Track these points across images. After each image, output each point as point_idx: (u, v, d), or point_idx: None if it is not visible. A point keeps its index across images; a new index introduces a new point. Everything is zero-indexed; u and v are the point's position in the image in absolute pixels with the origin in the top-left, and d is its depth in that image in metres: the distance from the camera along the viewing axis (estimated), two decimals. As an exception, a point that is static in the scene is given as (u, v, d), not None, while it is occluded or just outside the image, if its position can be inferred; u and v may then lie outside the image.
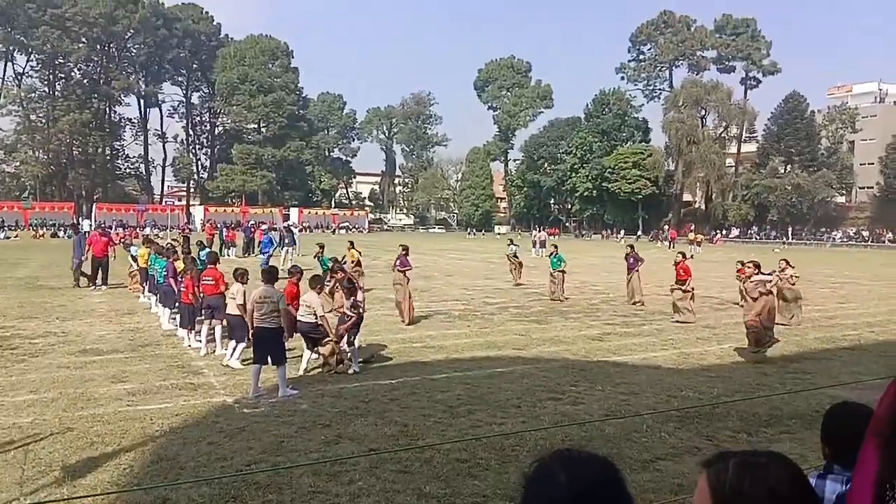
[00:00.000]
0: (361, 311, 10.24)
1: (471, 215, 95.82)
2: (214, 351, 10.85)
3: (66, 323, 13.69)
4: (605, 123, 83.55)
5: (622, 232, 77.29)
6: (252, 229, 38.19)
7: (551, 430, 7.08)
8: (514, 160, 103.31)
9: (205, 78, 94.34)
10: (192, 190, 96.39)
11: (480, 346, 11.88)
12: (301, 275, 10.71)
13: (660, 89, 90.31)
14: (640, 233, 76.73)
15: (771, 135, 76.49)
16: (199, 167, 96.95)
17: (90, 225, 55.75)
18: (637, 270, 18.16)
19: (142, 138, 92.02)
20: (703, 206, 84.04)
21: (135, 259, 18.38)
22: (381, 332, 12.97)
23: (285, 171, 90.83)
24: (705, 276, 24.61)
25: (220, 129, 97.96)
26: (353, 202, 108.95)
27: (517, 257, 22.96)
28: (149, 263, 15.66)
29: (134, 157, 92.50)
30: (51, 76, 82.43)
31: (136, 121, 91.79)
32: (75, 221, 38.35)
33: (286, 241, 28.73)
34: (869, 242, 66.34)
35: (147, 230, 53.99)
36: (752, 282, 11.11)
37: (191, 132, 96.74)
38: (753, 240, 71.54)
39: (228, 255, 31.15)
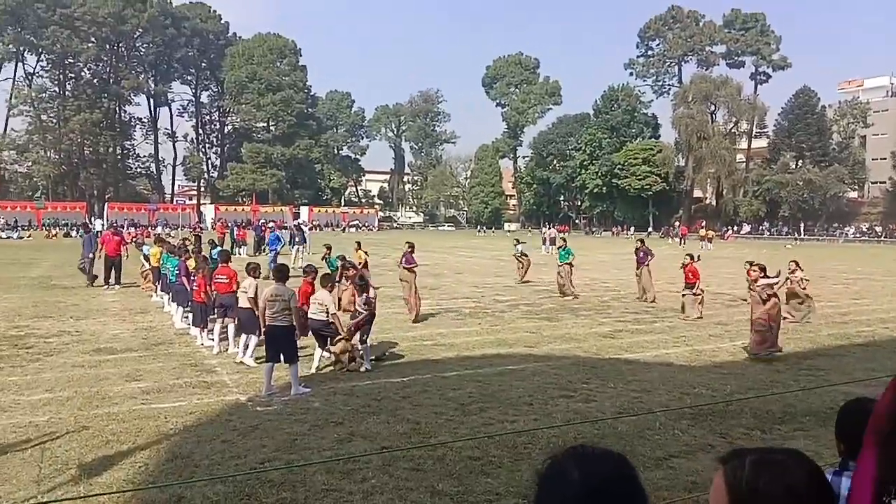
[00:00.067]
0: (373, 308, 10.27)
1: (480, 213, 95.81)
2: (227, 349, 10.91)
3: (79, 322, 13.79)
4: (614, 119, 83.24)
5: (632, 229, 77.03)
6: (262, 228, 38.27)
7: (563, 428, 7.07)
8: (524, 157, 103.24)
9: (214, 77, 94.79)
10: (202, 189, 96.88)
11: (491, 344, 11.88)
12: (316, 274, 10.74)
13: (669, 85, 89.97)
14: (650, 229, 76.45)
15: (782, 130, 75.94)
16: (210, 166, 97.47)
17: (102, 224, 56.17)
18: (647, 265, 18.08)
19: (152, 137, 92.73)
20: (713, 202, 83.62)
21: (147, 258, 18.49)
22: (392, 329, 12.99)
23: (295, 170, 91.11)
24: (717, 273, 24.49)
25: (230, 127, 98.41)
26: (363, 200, 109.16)
27: (525, 256, 22.90)
28: (161, 262, 15.75)
29: (144, 156, 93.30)
30: (61, 76, 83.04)
31: (146, 120, 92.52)
32: (86, 220, 38.60)
33: (296, 239, 28.81)
34: (882, 238, 65.76)
35: (158, 229, 54.28)
36: (758, 286, 10.96)
37: (200, 131, 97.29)
38: (765, 236, 71.14)
39: (239, 254, 31.27)
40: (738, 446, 1.45)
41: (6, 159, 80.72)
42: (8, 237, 52.40)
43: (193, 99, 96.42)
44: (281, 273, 9.09)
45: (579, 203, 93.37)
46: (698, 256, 15.74)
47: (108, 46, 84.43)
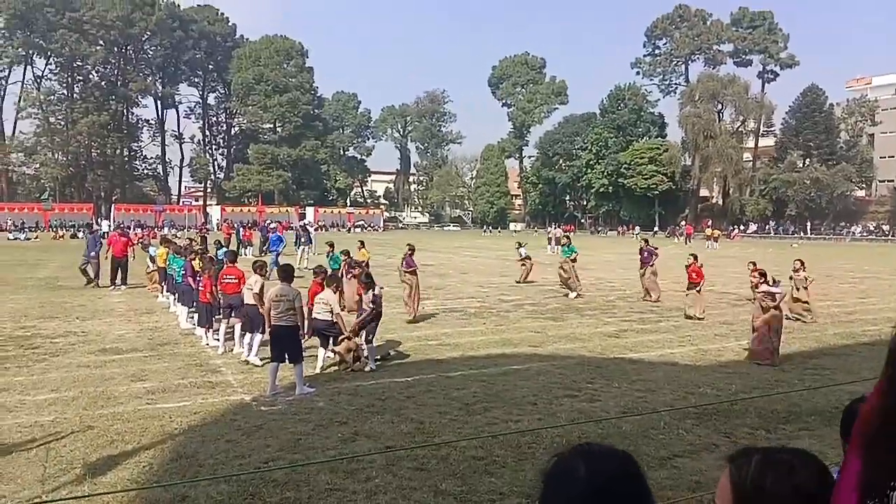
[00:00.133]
0: (379, 307, 10.27)
1: (486, 213, 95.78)
2: (232, 349, 10.93)
3: (85, 322, 13.86)
4: (620, 119, 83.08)
5: (637, 228, 76.88)
6: (268, 229, 38.39)
7: (568, 428, 7.06)
8: (529, 157, 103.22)
9: (221, 78, 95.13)
10: (209, 190, 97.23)
11: (496, 344, 11.87)
12: (325, 274, 10.77)
13: (676, 84, 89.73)
14: (656, 228, 76.26)
15: (789, 128, 75.61)
16: (216, 167, 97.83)
17: (109, 225, 56.41)
18: (651, 265, 18.03)
19: (159, 139, 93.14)
20: (720, 202, 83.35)
21: (153, 259, 18.56)
22: (397, 329, 13.00)
23: (301, 171, 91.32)
24: (722, 273, 24.42)
25: (237, 129, 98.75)
26: (369, 201, 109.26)
27: (529, 259, 22.85)
28: (167, 263, 15.80)
29: (151, 158, 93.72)
30: (69, 79, 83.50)
31: (153, 122, 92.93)
32: (90, 221, 38.89)
33: (302, 239, 28.84)
34: (889, 236, 65.40)
35: (165, 230, 54.48)
36: (759, 291, 10.83)
37: (207, 133, 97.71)
38: (771, 235, 70.84)
39: (245, 255, 31.32)
40: (743, 446, 1.44)
41: (14, 161, 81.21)
42: (15, 238, 52.66)
43: (200, 101, 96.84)
44: (286, 273, 9.10)
45: (585, 202, 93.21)
46: (695, 257, 15.65)
47: (116, 49, 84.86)
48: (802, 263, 15.15)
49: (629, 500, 1.14)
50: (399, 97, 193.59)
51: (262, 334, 9.84)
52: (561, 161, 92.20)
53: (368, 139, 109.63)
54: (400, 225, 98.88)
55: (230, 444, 6.56)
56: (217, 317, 11.78)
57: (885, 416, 0.95)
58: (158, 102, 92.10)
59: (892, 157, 71.78)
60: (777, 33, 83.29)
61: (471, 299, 18.13)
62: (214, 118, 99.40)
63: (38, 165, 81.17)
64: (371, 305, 9.96)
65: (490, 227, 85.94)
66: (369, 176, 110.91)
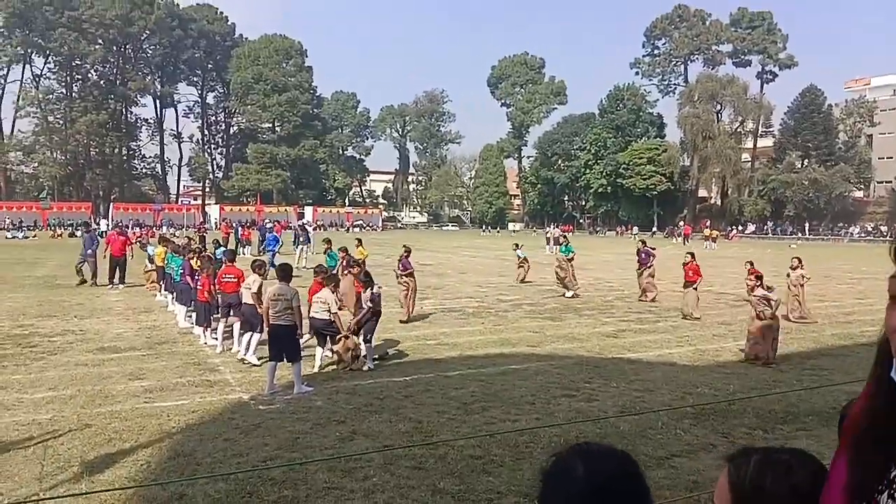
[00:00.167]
0: (378, 308, 10.26)
1: (484, 213, 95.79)
2: (231, 348, 10.93)
3: (83, 321, 13.84)
4: (619, 119, 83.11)
5: (635, 228, 76.94)
6: (266, 228, 38.36)
7: (566, 427, 7.07)
8: (528, 157, 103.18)
9: (220, 78, 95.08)
10: (207, 189, 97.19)
11: (494, 344, 11.88)
12: (326, 274, 10.77)
13: (675, 84, 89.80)
14: (655, 229, 76.30)
15: (787, 129, 75.67)
16: (215, 166, 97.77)
17: (107, 224, 56.36)
18: (649, 266, 18.02)
19: (158, 138, 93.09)
20: (718, 202, 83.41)
21: (151, 260, 18.54)
22: (395, 329, 13.00)
23: (300, 170, 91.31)
24: (721, 273, 24.43)
25: (235, 128, 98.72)
26: (367, 200, 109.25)
27: (526, 260, 22.82)
28: (165, 262, 15.79)
29: (150, 157, 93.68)
30: (68, 78, 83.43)
31: (151, 121, 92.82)
32: (87, 220, 38.60)
33: (301, 239, 28.82)
34: (887, 238, 65.45)
35: (164, 229, 54.44)
36: (755, 296, 10.78)
37: (206, 132, 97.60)
38: (769, 236, 70.90)
39: (244, 254, 31.31)
40: (741, 445, 1.45)
41: (13, 160, 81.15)
42: (14, 237, 52.62)
43: (199, 100, 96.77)
44: (284, 272, 9.11)
45: (583, 203, 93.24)
46: (692, 255, 15.68)
47: (115, 48, 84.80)
48: (800, 261, 15.18)
49: (628, 499, 1.14)
50: (398, 97, 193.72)
51: (259, 334, 9.85)
52: (560, 161, 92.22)
53: (367, 139, 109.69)
54: (399, 225, 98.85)
55: (228, 443, 6.56)
56: (215, 315, 11.78)
57: (872, 418, 0.95)
58: (157, 101, 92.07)
59: (891, 158, 71.86)
60: (776, 34, 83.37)
61: (469, 299, 18.14)
62: (213, 117, 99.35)
63: (36, 164, 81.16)
64: (369, 304, 9.96)
65: (489, 227, 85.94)
66: (368, 175, 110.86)
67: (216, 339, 11.29)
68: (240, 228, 37.71)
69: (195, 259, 12.89)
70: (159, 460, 6.14)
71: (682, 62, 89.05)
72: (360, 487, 5.46)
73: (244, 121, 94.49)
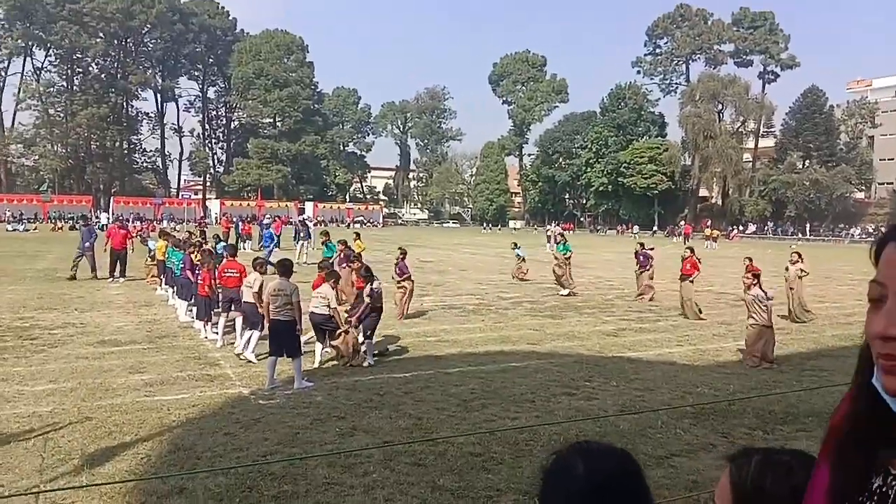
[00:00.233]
0: (379, 304, 10.26)
1: (485, 210, 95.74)
2: (233, 342, 10.91)
3: (84, 314, 13.85)
4: (620, 118, 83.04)
5: (636, 227, 76.92)
6: (270, 223, 38.31)
7: (565, 425, 7.08)
8: (529, 155, 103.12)
9: (221, 72, 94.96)
10: (208, 184, 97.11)
11: (494, 341, 11.88)
12: (330, 269, 10.77)
13: (676, 83, 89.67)
14: (655, 228, 76.30)
15: (789, 130, 75.61)
16: (215, 161, 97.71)
17: (108, 218, 56.35)
18: (648, 269, 18.03)
19: (158, 132, 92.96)
20: (719, 202, 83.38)
21: (153, 256, 18.53)
22: (395, 325, 13.00)
23: (300, 166, 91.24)
24: (721, 273, 24.43)
25: (236, 123, 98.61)
26: (368, 196, 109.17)
27: (524, 260, 22.79)
28: (166, 256, 15.80)
29: (151, 151, 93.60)
30: (69, 71, 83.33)
31: (152, 115, 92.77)
32: (85, 214, 38.57)
33: (301, 234, 28.80)
34: (888, 239, 65.28)
35: (164, 223, 54.42)
36: (750, 293, 10.71)
37: (207, 126, 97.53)
38: (770, 236, 70.91)
39: (244, 249, 31.29)
40: (741, 446, 1.45)
41: (13, 153, 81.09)
42: (14, 230, 52.60)
43: (200, 94, 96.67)
44: (284, 268, 9.10)
45: (584, 201, 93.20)
46: (691, 250, 15.71)
47: (116, 42, 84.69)
48: (800, 256, 15.20)
49: (628, 498, 1.14)
50: (399, 94, 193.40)
51: (259, 332, 9.83)
52: (561, 159, 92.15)
53: (368, 135, 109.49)
54: (399, 221, 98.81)
55: (228, 437, 6.57)
56: (216, 310, 11.78)
57: (855, 422, 0.95)
58: (158, 95, 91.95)
59: (892, 159, 71.79)
60: (778, 34, 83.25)
61: (470, 296, 18.14)
62: (214, 112, 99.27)
63: (37, 157, 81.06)
64: (367, 299, 9.96)
65: (490, 225, 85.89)
66: (369, 172, 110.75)
67: (216, 333, 11.29)
68: (240, 223, 37.69)
69: (195, 253, 12.90)
70: (159, 454, 6.15)
71: (684, 61, 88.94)
72: (360, 483, 5.47)
73: (245, 116, 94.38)
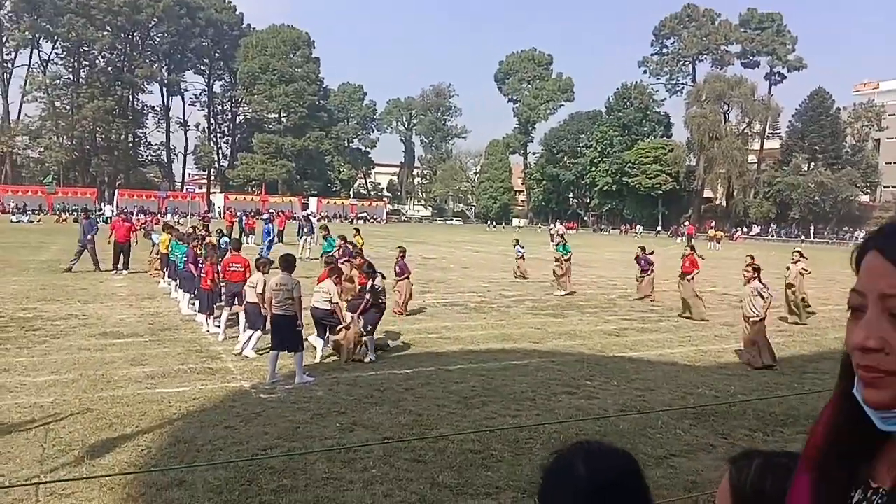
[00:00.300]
0: (381, 300, 10.27)
1: (489, 208, 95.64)
2: (236, 336, 10.93)
3: (87, 306, 13.88)
4: (626, 117, 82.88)
5: (639, 227, 76.82)
6: (271, 218, 38.33)
7: (565, 424, 7.08)
8: (534, 153, 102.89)
9: (227, 67, 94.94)
10: (212, 178, 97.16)
11: (496, 339, 11.89)
12: (334, 265, 10.77)
13: (682, 84, 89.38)
14: (659, 228, 76.18)
15: (795, 132, 75.42)
16: (220, 155, 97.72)
17: (112, 210, 56.46)
18: (650, 273, 18.00)
19: (164, 126, 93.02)
20: (724, 203, 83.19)
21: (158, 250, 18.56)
22: (397, 321, 13.01)
23: (305, 161, 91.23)
24: (725, 274, 24.38)
25: (242, 118, 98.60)
26: (372, 193, 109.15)
27: (524, 259, 22.75)
28: (169, 249, 15.83)
29: (156, 144, 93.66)
30: (75, 63, 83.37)
31: (158, 108, 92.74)
32: (86, 206, 38.45)
33: (304, 230, 28.81)
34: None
35: (168, 217, 54.49)
36: (750, 287, 10.66)
37: (212, 121, 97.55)
38: (774, 238, 70.78)
39: (248, 243, 31.32)
40: (743, 448, 1.45)
41: (19, 144, 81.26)
42: (19, 221, 52.75)
43: (206, 89, 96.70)
44: (287, 263, 9.12)
45: (588, 200, 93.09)
46: (692, 248, 15.69)
47: (122, 35, 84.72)
48: (801, 254, 15.20)
49: (628, 498, 1.14)
50: (405, 90, 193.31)
51: (261, 332, 9.81)
52: (565, 158, 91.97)
53: (373, 131, 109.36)
54: (403, 218, 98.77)
55: (228, 431, 6.58)
56: (218, 304, 11.80)
57: (836, 434, 0.94)
58: (164, 89, 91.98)
59: (898, 162, 71.60)
60: (785, 35, 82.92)
61: (472, 294, 18.14)
62: (220, 106, 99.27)
63: (42, 149, 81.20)
64: (368, 294, 9.96)
65: (494, 223, 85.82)
66: (373, 168, 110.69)
67: (218, 327, 11.31)
68: (244, 217, 37.72)
69: (198, 246, 12.92)
70: (160, 446, 6.16)
71: (691, 62, 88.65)
72: (359, 479, 5.48)
73: (250, 110, 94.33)
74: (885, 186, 74.98)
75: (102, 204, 67.95)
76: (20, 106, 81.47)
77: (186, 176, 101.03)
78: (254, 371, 9.01)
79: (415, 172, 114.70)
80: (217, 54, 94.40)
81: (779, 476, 1.18)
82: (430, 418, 7.18)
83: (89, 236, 20.35)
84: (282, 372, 8.68)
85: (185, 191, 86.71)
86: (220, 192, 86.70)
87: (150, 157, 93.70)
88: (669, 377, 9.41)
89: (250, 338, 10.03)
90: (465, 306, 15.76)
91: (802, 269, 14.87)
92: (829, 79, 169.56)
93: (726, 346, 11.98)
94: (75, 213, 59.37)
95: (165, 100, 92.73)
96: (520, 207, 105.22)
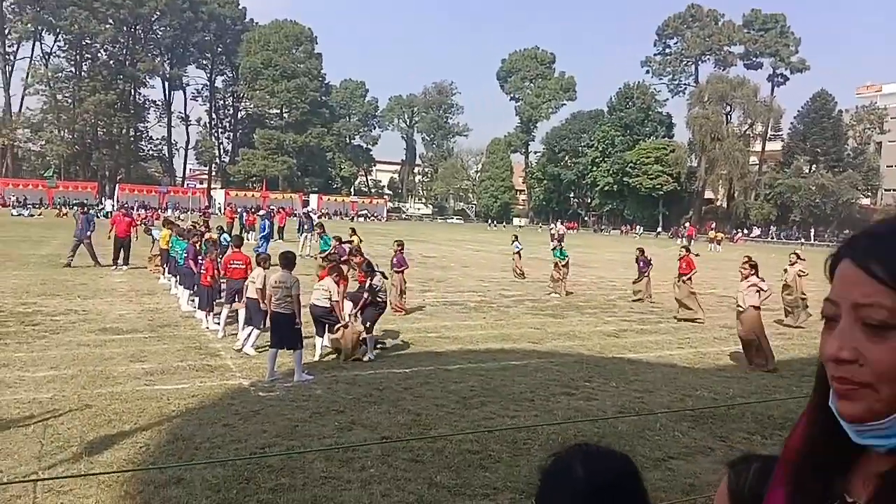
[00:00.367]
0: (380, 298, 10.27)
1: (489, 207, 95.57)
2: (235, 333, 10.93)
3: (86, 301, 13.89)
4: (628, 117, 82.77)
5: (640, 228, 76.80)
6: (272, 214, 38.32)
7: (564, 425, 7.08)
8: (535, 152, 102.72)
9: (229, 62, 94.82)
10: (213, 173, 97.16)
11: (495, 339, 11.89)
12: (335, 263, 10.77)
13: (685, 84, 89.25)
14: (660, 229, 76.16)
15: (797, 134, 75.36)
16: (221, 151, 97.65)
17: (112, 205, 56.44)
18: (647, 275, 18.02)
19: (165, 120, 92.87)
20: (724, 204, 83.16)
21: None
22: (397, 320, 13.01)
23: (306, 157, 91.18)
24: (724, 276, 24.37)
25: (243, 113, 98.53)
26: (373, 190, 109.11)
27: (519, 255, 22.73)
28: (170, 245, 15.83)
29: (157, 139, 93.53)
30: (77, 57, 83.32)
31: (160, 103, 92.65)
32: (83, 201, 38.49)
33: (305, 227, 28.80)
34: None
35: (169, 212, 54.50)
36: (747, 283, 10.63)
37: (214, 116, 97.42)
38: (774, 240, 70.78)
39: (249, 239, 31.30)
40: (743, 451, 1.45)
41: (20, 137, 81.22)
42: (19, 214, 52.75)
43: (208, 83, 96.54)
44: (287, 260, 9.11)
45: (589, 200, 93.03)
46: (687, 249, 15.68)
47: (125, 28, 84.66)
48: (798, 256, 15.21)
49: (626, 500, 1.14)
50: (406, 87, 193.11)
51: (260, 329, 9.81)
52: (567, 157, 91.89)
53: (375, 128, 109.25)
54: (403, 216, 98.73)
55: (227, 429, 6.58)
56: (218, 300, 11.80)
57: (812, 445, 0.93)
58: (166, 83, 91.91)
59: (900, 166, 71.56)
60: (789, 37, 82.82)
61: (471, 293, 18.14)
62: (221, 101, 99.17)
63: (43, 142, 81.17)
64: (366, 293, 9.96)
65: (495, 222, 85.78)
66: (374, 165, 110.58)
67: (218, 324, 11.31)
68: (244, 214, 37.73)
69: (198, 242, 12.92)
70: (158, 443, 6.17)
71: (693, 62, 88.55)
72: (358, 478, 5.48)
73: (252, 106, 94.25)
74: (886, 190, 74.96)
75: (103, 198, 67.96)
76: (22, 99, 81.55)
77: (187, 171, 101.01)
78: (253, 368, 9.01)
79: (416, 170, 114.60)
80: (219, 49, 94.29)
81: None
82: (428, 418, 7.18)
83: (88, 232, 20.30)
84: (281, 370, 8.68)
85: (185, 186, 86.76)
86: (221, 188, 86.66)
87: (151, 152, 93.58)
88: (668, 379, 9.41)
89: (250, 335, 10.04)
90: (464, 305, 15.77)
91: (800, 270, 14.88)
92: (832, 81, 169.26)
93: (725, 348, 11.98)
94: (76, 208, 59.55)
95: (167, 94, 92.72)
96: (520, 206, 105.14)
